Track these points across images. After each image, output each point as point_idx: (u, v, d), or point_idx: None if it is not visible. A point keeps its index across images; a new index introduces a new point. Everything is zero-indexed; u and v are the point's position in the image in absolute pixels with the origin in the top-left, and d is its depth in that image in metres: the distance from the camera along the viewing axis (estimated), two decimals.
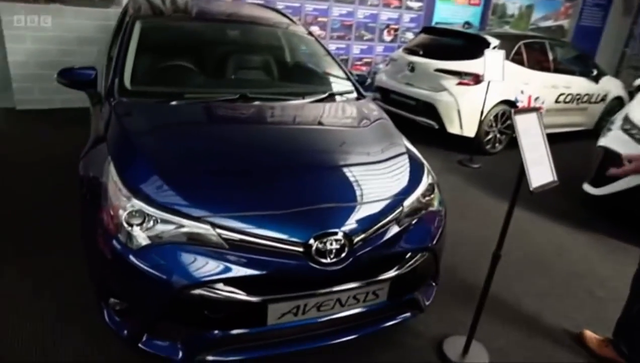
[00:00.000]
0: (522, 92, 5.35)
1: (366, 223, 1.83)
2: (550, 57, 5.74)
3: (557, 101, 5.75)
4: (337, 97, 2.87)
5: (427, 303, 2.18)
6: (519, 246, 3.37)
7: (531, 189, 1.70)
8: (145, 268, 1.64)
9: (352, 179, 2.03)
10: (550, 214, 4.05)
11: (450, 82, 5.17)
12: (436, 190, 2.27)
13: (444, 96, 5.21)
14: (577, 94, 5.95)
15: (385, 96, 5.98)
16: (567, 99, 5.86)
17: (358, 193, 1.95)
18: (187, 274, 1.62)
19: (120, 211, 1.71)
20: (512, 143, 5.54)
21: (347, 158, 2.22)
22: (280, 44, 3.49)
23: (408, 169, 2.21)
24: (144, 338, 1.75)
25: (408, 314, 2.10)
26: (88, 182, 2.00)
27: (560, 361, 2.31)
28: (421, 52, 5.57)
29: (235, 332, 1.74)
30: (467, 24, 6.23)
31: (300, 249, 1.69)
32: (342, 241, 1.73)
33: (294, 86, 3.06)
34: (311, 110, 2.67)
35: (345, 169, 2.09)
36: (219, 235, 1.66)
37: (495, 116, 5.27)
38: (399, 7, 7.35)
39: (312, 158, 2.16)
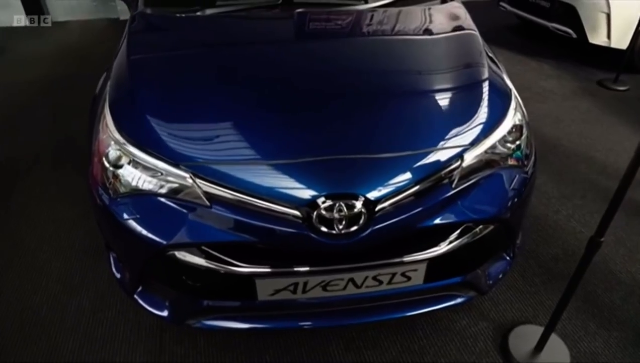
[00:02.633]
0: None
1: (399, 183, 1.32)
2: None
3: None
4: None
5: (492, 282, 1.66)
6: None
7: None
8: (118, 218, 1.39)
9: (393, 118, 1.49)
10: None
11: None
12: (525, 134, 1.62)
13: None
14: None
15: None
16: None
17: (396, 139, 1.42)
18: (159, 234, 1.33)
19: (104, 148, 1.46)
20: None
21: (394, 85, 1.67)
22: None
23: (484, 104, 1.58)
24: (139, 289, 1.58)
25: (462, 299, 1.61)
26: (94, 103, 1.78)
27: None
28: None
29: (224, 303, 1.47)
30: None
31: (298, 214, 1.28)
32: (358, 208, 1.27)
33: None
34: (371, 18, 2.05)
35: (386, 104, 1.55)
36: (200, 186, 1.32)
37: None
38: None
39: (347, 87, 1.63)
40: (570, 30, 4.21)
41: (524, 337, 1.76)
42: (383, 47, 1.90)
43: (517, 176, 1.54)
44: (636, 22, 3.73)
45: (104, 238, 1.69)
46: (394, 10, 2.11)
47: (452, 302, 1.59)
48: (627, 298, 1.96)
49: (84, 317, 1.85)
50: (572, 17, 4.13)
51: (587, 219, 2.39)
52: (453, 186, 1.40)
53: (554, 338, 1.73)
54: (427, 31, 2.00)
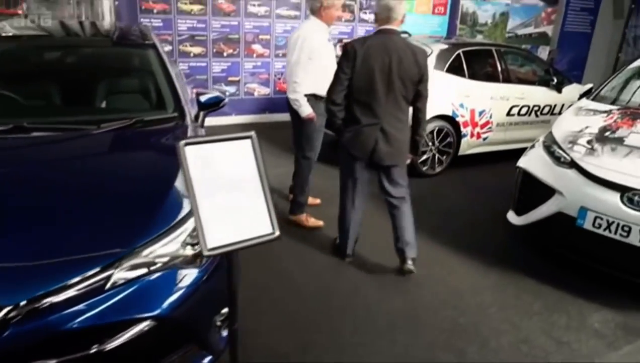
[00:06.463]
0: (461, 105, 4.79)
1: (40, 289, 1.39)
2: (499, 66, 5.16)
3: (509, 114, 5.14)
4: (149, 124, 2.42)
5: None
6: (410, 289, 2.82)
7: (205, 252, 1.21)
8: None
9: (49, 230, 1.61)
10: (471, 252, 3.46)
11: None
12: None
13: None
14: (535, 106, 5.32)
15: None
16: (522, 112, 5.24)
17: (46, 248, 1.51)
18: None
19: None
20: (456, 163, 4.99)
21: (65, 201, 1.80)
22: (97, 65, 3.09)
23: (157, 216, 1.72)
24: None
25: None
26: None
27: None
28: None
29: None
30: (405, 33, 5.72)
31: None
32: None
33: (96, 112, 2.66)
34: (85, 143, 2.25)
35: (46, 219, 1.67)
36: None
37: (431, 134, 4.72)
38: (352, 21, 6.91)
39: (16, 204, 1.73)
40: None
41: None
42: (77, 170, 2.06)
43: (184, 277, 1.64)
44: None
45: None
46: (111, 134, 2.26)
47: None
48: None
49: None
50: None
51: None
52: (107, 288, 1.48)
53: None
54: (135, 153, 2.25)
